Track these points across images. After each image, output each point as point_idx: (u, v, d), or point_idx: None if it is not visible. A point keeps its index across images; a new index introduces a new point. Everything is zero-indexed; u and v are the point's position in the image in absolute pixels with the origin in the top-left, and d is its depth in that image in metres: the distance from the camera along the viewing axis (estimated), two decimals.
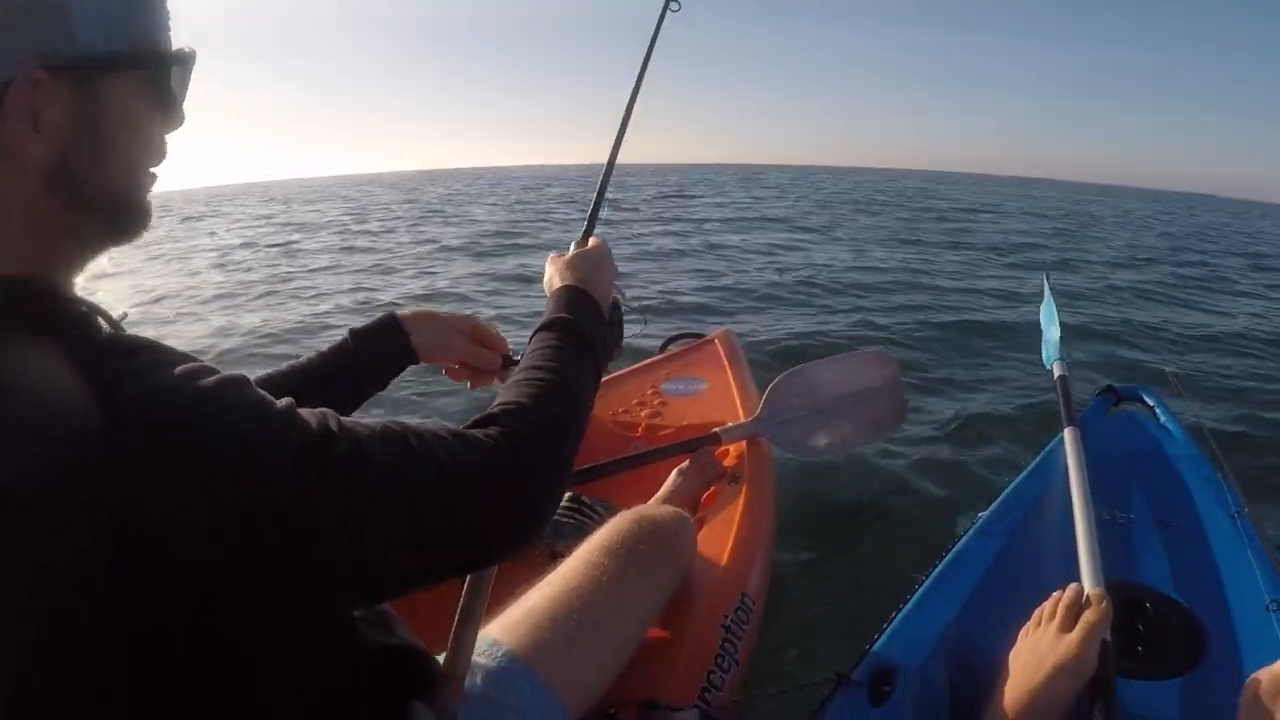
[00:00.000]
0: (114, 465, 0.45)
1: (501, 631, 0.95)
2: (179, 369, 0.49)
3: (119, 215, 0.57)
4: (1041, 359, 2.14)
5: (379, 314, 1.04)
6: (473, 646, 0.86)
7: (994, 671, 1.02)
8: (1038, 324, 2.34)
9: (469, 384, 1.05)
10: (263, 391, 0.53)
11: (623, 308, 1.10)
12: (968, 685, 1.07)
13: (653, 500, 1.65)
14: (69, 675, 0.47)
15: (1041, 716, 0.92)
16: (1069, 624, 0.98)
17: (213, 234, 13.33)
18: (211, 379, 0.50)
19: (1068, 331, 2.36)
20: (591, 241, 1.00)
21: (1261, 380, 3.97)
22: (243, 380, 0.53)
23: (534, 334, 0.87)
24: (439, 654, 0.86)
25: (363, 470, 0.54)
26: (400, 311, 1.07)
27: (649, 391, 2.27)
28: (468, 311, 1.14)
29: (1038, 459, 1.62)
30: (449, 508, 0.60)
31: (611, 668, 1.00)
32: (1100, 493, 1.48)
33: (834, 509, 2.34)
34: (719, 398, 2.16)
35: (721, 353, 2.41)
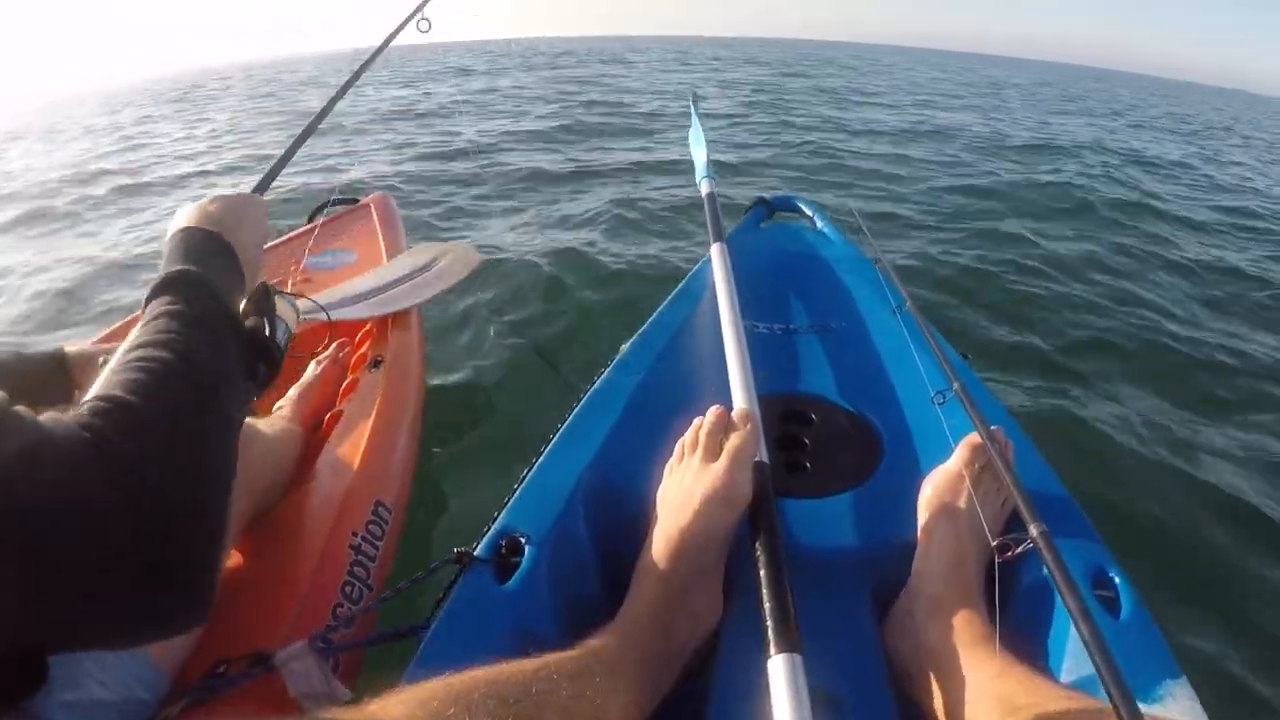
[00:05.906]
0: None
1: None
2: None
3: None
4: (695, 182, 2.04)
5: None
6: None
7: (643, 516, 0.90)
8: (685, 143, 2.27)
9: None
10: None
11: (281, 299, 0.84)
12: (614, 536, 0.96)
13: (288, 395, 1.41)
14: None
15: (698, 556, 0.82)
16: (714, 452, 0.87)
17: None
18: None
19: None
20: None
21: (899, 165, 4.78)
22: None
23: (145, 302, 0.67)
24: None
25: None
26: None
27: (292, 267, 1.95)
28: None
29: (682, 283, 1.50)
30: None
31: None
32: (758, 306, 1.39)
33: (487, 372, 2.25)
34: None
35: (375, 219, 2.15)
